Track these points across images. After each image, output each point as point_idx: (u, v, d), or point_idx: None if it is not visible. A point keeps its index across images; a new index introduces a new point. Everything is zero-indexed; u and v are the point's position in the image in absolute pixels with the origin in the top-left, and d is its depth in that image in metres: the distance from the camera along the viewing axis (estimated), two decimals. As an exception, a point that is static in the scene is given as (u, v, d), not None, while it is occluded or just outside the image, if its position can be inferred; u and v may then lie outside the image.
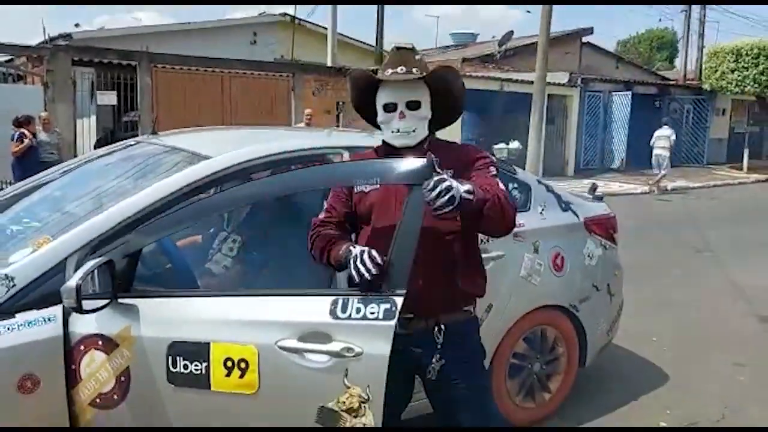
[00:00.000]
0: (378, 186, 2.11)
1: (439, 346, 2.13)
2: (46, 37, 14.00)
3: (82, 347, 2.09)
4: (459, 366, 2.17)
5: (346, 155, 2.77)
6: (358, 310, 1.96)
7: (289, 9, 18.48)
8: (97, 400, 2.09)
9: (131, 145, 3.38)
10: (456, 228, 2.12)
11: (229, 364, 2.00)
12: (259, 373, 2.00)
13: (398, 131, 2.13)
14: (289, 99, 13.82)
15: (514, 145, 15.55)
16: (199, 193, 2.45)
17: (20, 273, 2.13)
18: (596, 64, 24.08)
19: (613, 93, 19.19)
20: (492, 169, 2.15)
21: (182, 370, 2.04)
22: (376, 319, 1.94)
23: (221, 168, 2.52)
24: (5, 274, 2.11)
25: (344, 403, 1.96)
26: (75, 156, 11.62)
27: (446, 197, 1.82)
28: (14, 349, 2.03)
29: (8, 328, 2.05)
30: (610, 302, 3.76)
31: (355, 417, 1.95)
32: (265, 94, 13.56)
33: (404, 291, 1.94)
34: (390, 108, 2.13)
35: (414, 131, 2.13)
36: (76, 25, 23.75)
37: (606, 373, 4.12)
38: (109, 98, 12.19)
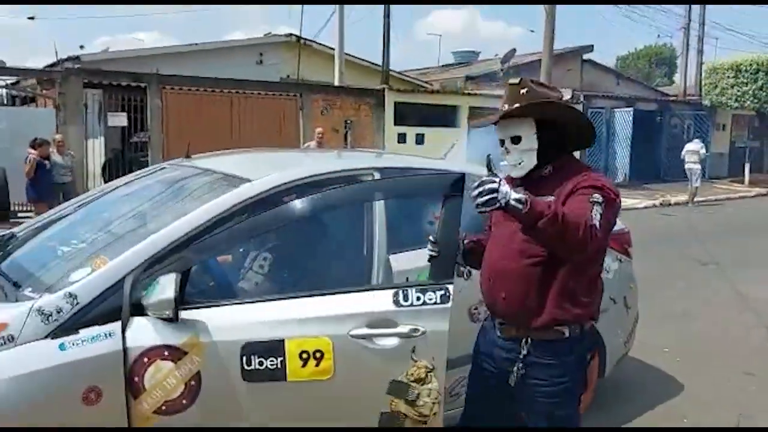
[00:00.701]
0: None
1: (521, 356, 2.25)
2: (58, 59, 14.24)
3: (145, 359, 2.23)
4: (542, 383, 2.25)
5: (377, 175, 2.93)
6: (418, 298, 2.40)
7: (295, 29, 18.76)
8: (163, 407, 2.24)
9: (166, 168, 3.54)
10: (542, 251, 2.16)
11: (305, 356, 2.30)
12: (334, 360, 2.30)
13: (507, 164, 2.28)
14: (298, 118, 14.03)
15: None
16: (243, 213, 2.61)
17: (82, 291, 2.27)
18: (597, 81, 24.34)
19: (615, 109, 19.43)
20: (596, 195, 2.08)
21: (257, 366, 2.28)
22: (435, 303, 2.39)
23: (265, 189, 2.68)
24: (69, 293, 2.25)
25: (412, 375, 2.37)
26: (86, 177, 11.83)
27: (486, 197, 1.92)
28: (79, 363, 2.17)
29: (73, 344, 2.19)
30: (627, 314, 3.89)
31: (423, 384, 2.37)
32: (273, 113, 13.77)
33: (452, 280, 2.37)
34: (501, 144, 2.29)
35: (520, 163, 2.25)
36: (81, 47, 24.09)
37: (624, 383, 4.24)
38: (119, 120, 12.39)
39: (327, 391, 2.35)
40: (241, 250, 3.65)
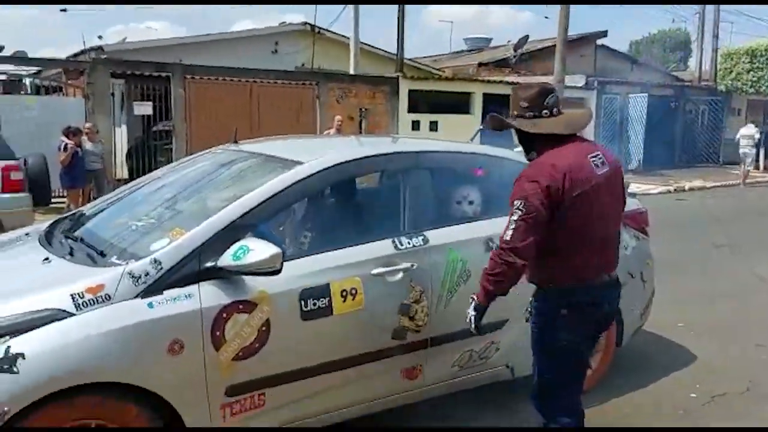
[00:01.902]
0: None
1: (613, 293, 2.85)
2: (85, 47, 14.61)
3: (224, 315, 2.59)
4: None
5: (418, 158, 3.36)
6: (408, 243, 3.16)
7: (310, 18, 18.99)
8: (240, 354, 2.65)
9: (217, 152, 3.85)
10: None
11: (344, 293, 2.92)
12: (364, 294, 2.94)
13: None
14: (315, 106, 14.32)
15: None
16: (298, 191, 2.98)
17: (165, 257, 2.60)
18: (611, 66, 24.43)
19: (630, 95, 19.56)
20: (514, 204, 2.60)
21: (312, 307, 2.83)
22: (419, 246, 3.18)
23: (315, 171, 3.07)
24: (154, 259, 2.58)
25: (412, 297, 3.12)
26: (114, 164, 12.20)
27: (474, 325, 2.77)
28: (165, 319, 2.51)
29: (159, 303, 2.53)
30: (644, 288, 4.18)
31: (418, 303, 3.14)
32: (291, 102, 14.07)
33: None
34: None
35: (520, 152, 2.98)
36: (100, 37, 24.47)
37: (639, 353, 4.53)
38: (145, 108, 12.73)
39: (360, 318, 2.98)
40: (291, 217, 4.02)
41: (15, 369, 2.25)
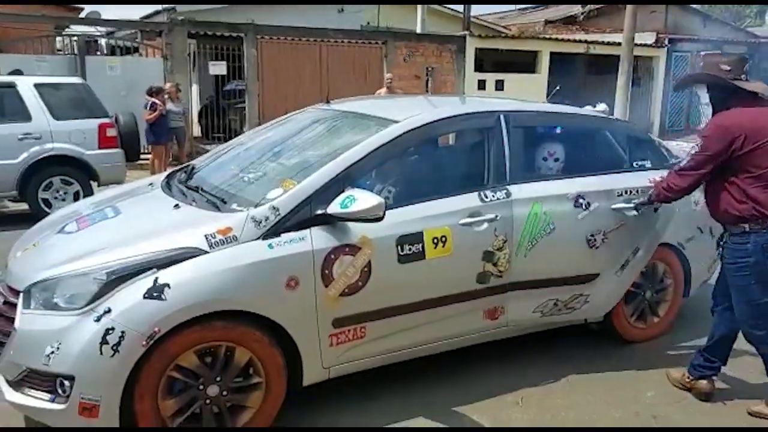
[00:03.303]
0: None
1: (723, 243, 3.39)
2: (161, 8, 15.14)
3: (332, 256, 2.96)
4: (728, 265, 3.33)
5: (503, 117, 3.67)
6: (493, 196, 3.47)
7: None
8: (346, 290, 3.02)
9: (312, 111, 4.19)
10: None
11: (435, 240, 3.24)
12: (452, 241, 3.27)
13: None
14: (382, 66, 14.51)
15: (601, 107, 15.64)
16: (396, 147, 3.33)
17: (282, 205, 2.96)
18: (683, 23, 23.58)
19: (701, 52, 18.95)
20: (698, 141, 3.27)
21: (407, 252, 3.18)
22: (502, 199, 3.48)
23: (410, 128, 3.37)
24: (273, 206, 2.95)
25: (495, 245, 3.43)
26: (192, 123, 12.77)
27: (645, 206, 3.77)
28: (283, 258, 2.89)
29: (277, 244, 2.91)
30: (712, 242, 4.34)
31: (500, 251, 3.44)
32: (359, 61, 14.31)
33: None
34: None
35: (705, 111, 3.77)
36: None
37: (705, 305, 4.71)
38: (219, 68, 13.23)
39: (449, 263, 3.30)
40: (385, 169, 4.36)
41: (163, 297, 2.67)
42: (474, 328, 3.53)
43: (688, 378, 3.59)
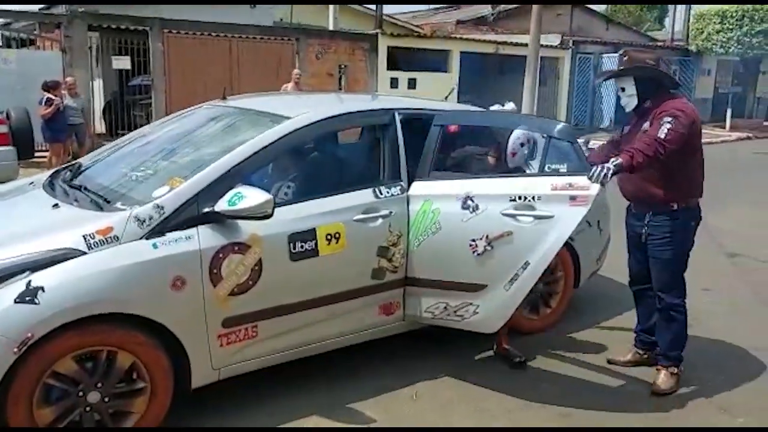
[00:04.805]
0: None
1: (646, 223, 3.58)
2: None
3: (221, 255, 2.90)
4: (654, 241, 3.57)
5: (397, 115, 3.70)
6: (387, 192, 3.51)
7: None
8: (236, 289, 2.96)
9: (207, 108, 4.10)
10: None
11: (328, 237, 3.24)
12: (346, 237, 3.28)
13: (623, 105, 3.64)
14: (294, 62, 14.39)
15: (509, 105, 16.07)
16: (288, 143, 3.30)
17: (167, 203, 2.89)
18: (587, 26, 24.63)
19: (603, 55, 19.83)
20: (666, 118, 3.28)
21: (299, 249, 3.16)
22: (396, 195, 3.53)
23: (303, 125, 3.35)
24: (157, 204, 2.86)
25: (389, 241, 3.46)
26: (93, 118, 12.25)
27: (600, 179, 3.15)
28: (167, 258, 2.82)
29: (162, 243, 2.82)
30: (600, 235, 4.57)
31: (395, 246, 3.48)
32: (270, 58, 14.13)
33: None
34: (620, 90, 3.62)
35: (627, 104, 3.60)
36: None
37: (594, 295, 4.95)
38: (123, 63, 12.75)
39: (342, 258, 3.31)
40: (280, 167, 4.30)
41: (36, 300, 2.55)
42: (370, 323, 3.55)
43: (640, 352, 3.92)
